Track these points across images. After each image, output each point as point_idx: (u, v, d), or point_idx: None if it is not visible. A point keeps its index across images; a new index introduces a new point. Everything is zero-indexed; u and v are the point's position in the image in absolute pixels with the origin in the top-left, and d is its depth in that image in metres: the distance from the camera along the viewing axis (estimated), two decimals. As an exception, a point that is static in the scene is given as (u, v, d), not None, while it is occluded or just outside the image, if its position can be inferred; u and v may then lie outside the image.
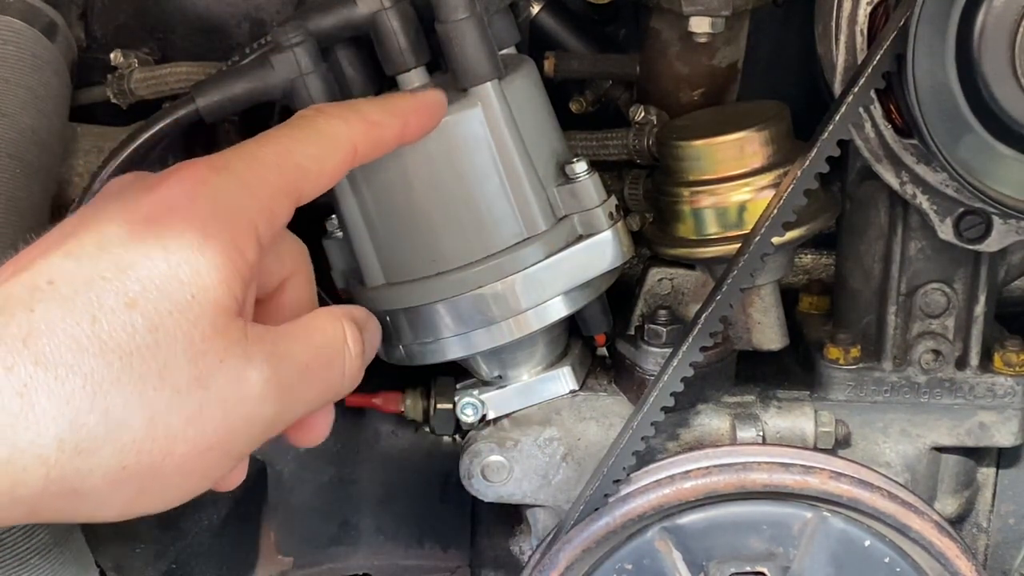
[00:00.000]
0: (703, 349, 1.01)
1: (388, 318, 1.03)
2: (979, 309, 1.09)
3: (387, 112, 0.87)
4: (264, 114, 1.21)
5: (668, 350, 1.05)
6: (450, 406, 1.11)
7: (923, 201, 1.02)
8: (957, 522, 1.18)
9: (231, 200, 0.73)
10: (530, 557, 1.10)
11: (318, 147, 0.80)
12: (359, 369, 0.82)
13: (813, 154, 0.95)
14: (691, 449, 1.08)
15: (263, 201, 0.75)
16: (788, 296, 1.16)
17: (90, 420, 0.65)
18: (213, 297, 0.70)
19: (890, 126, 0.99)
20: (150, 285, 0.68)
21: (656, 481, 1.04)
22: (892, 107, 0.99)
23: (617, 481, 1.03)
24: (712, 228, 1.07)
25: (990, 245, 1.02)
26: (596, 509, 1.03)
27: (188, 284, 0.69)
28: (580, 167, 1.01)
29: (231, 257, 0.71)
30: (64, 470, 0.66)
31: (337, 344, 0.80)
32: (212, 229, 0.71)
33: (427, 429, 1.21)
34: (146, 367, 0.67)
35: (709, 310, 0.99)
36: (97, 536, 1.19)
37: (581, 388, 1.11)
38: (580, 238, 1.02)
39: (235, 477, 0.79)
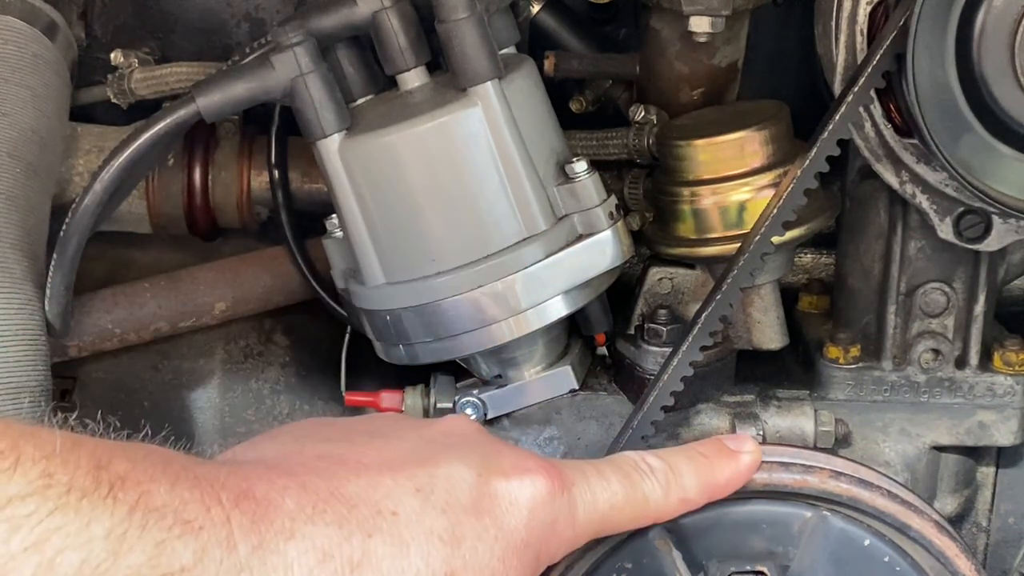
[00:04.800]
0: (703, 348, 1.01)
1: (388, 317, 1.03)
2: (979, 308, 1.09)
3: (705, 490, 0.86)
4: (264, 114, 1.22)
5: (668, 349, 1.05)
6: (450, 405, 1.11)
7: (923, 200, 1.02)
8: (957, 521, 1.18)
9: (557, 527, 0.74)
10: (530, 556, 1.10)
11: (633, 515, 0.81)
12: None
13: (813, 154, 0.95)
14: (691, 448, 1.08)
15: (575, 540, 0.76)
16: (788, 296, 1.16)
17: None
18: None
19: (890, 126, 0.99)
20: (471, 567, 0.68)
21: (656, 480, 1.04)
22: (892, 107, 0.99)
23: (617, 480, 1.03)
24: (712, 227, 1.07)
25: (990, 244, 1.02)
26: (596, 508, 1.03)
27: None
28: (580, 167, 1.01)
29: (527, 572, 0.73)
30: None
31: None
32: (532, 539, 0.72)
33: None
34: None
35: (709, 309, 0.99)
36: None
37: (581, 388, 1.11)
38: (580, 237, 1.02)
39: None
